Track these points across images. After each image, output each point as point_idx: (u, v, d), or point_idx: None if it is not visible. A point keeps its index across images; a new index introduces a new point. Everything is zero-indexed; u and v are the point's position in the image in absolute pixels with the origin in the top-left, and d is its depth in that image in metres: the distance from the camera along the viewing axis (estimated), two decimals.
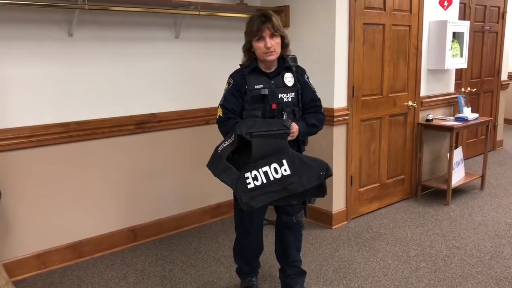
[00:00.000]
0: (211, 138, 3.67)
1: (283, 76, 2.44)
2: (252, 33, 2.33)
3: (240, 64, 2.50)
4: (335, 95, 3.56)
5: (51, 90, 3.00)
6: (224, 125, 2.40)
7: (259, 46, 2.34)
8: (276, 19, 2.34)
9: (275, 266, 3.04)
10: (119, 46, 3.26)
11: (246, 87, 2.39)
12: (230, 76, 2.47)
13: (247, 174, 2.20)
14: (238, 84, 2.41)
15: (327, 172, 2.27)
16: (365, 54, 3.73)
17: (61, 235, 3.18)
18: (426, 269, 3.04)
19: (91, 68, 3.15)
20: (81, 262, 3.24)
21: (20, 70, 2.86)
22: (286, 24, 3.79)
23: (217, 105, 2.46)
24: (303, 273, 2.76)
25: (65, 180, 3.14)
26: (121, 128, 3.31)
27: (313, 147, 3.64)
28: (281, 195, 2.24)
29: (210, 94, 3.74)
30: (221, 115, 2.41)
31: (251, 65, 2.42)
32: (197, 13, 3.36)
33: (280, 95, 2.40)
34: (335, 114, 3.55)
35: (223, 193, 3.95)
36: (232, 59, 3.82)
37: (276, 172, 2.21)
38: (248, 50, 2.42)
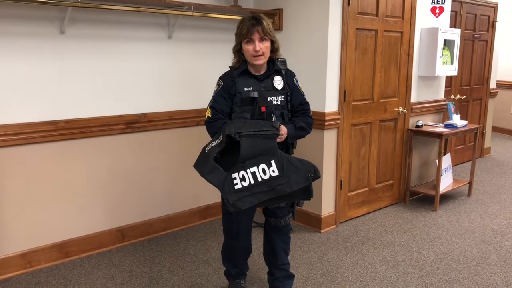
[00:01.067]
0: (202, 139, 3.65)
1: (272, 79, 2.45)
2: (242, 35, 2.34)
3: (230, 66, 2.50)
4: (327, 99, 3.57)
5: (40, 88, 2.97)
6: (212, 126, 2.39)
7: (248, 48, 2.35)
8: (267, 23, 2.35)
9: (263, 269, 3.04)
10: (111, 45, 3.23)
11: (236, 89, 2.40)
12: (220, 78, 2.47)
13: (235, 175, 2.18)
14: (227, 86, 2.41)
15: (315, 174, 2.25)
16: (357, 59, 3.75)
17: (47, 234, 3.14)
18: (413, 274, 3.05)
19: (82, 66, 3.12)
20: (67, 262, 3.20)
21: (10, 66, 2.83)
22: (279, 28, 3.80)
23: (207, 107, 2.46)
24: (291, 276, 2.76)
25: (52, 179, 3.11)
26: (110, 128, 3.29)
27: (303, 151, 3.65)
28: (268, 196, 2.21)
29: (201, 95, 3.73)
30: (209, 115, 2.41)
31: (241, 68, 2.43)
32: (191, 14, 3.35)
33: (269, 98, 2.41)
34: (326, 118, 3.56)
35: (212, 194, 3.94)
36: (224, 60, 3.80)
37: (264, 173, 2.19)
38: (238, 51, 2.43)
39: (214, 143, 2.27)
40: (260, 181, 2.19)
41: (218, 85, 2.45)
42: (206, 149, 2.29)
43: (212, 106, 2.42)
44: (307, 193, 2.32)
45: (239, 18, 3.63)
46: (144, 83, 3.45)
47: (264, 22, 2.33)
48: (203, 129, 3.80)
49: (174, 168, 3.72)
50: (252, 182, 2.18)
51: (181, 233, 3.74)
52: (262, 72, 2.45)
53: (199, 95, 3.75)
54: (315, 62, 3.59)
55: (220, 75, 2.49)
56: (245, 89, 2.39)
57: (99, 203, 3.36)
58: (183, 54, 3.64)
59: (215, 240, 3.58)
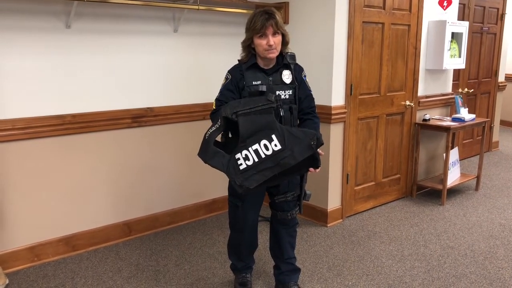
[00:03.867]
0: None
1: (281, 73, 2.44)
2: (255, 30, 2.32)
3: (238, 60, 2.49)
4: (333, 93, 3.55)
5: (47, 82, 2.98)
6: (215, 116, 2.38)
7: (261, 43, 2.33)
8: (279, 17, 2.35)
9: (269, 263, 3.04)
10: (117, 39, 3.23)
11: (244, 82, 2.39)
12: (228, 71, 2.46)
13: (238, 155, 2.14)
14: (236, 79, 2.41)
15: (318, 141, 2.19)
16: (363, 53, 3.72)
17: (54, 228, 3.16)
18: (420, 269, 3.04)
19: (88, 60, 3.13)
20: (74, 256, 3.23)
21: (17, 61, 2.84)
22: (285, 21, 3.78)
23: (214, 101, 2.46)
24: (297, 270, 2.76)
25: (59, 173, 3.12)
26: (117, 122, 3.30)
27: None
28: (274, 172, 2.16)
29: (208, 89, 3.73)
30: (214, 107, 2.43)
31: (250, 61, 2.42)
32: (196, 7, 3.34)
33: (277, 92, 2.40)
34: (333, 112, 3.55)
35: (218, 188, 3.95)
36: (230, 54, 3.81)
37: (267, 149, 2.14)
38: (248, 46, 2.41)
39: (213, 128, 2.24)
40: (264, 158, 2.14)
41: (226, 78, 2.45)
42: (206, 135, 2.26)
43: (218, 98, 2.43)
44: (314, 162, 2.27)
45: (245, 11, 3.65)
46: (150, 77, 3.45)
47: (277, 16, 2.33)
48: (209, 123, 3.80)
49: (180, 162, 3.72)
50: (256, 160, 2.13)
51: (187, 227, 3.75)
52: (271, 66, 2.44)
53: (206, 89, 3.74)
54: (322, 56, 3.57)
55: (228, 68, 2.48)
56: (253, 83, 2.39)
57: (106, 197, 3.37)
58: (189, 48, 3.63)
59: (221, 234, 3.58)
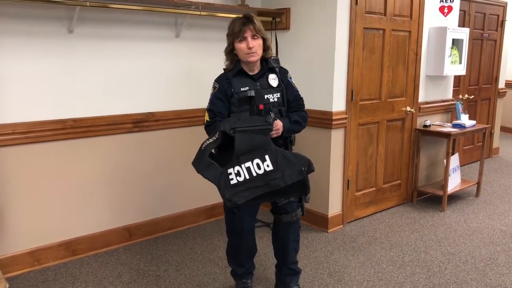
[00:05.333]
0: None
1: (267, 77, 2.49)
2: (234, 34, 2.38)
3: (223, 69, 2.53)
4: (334, 98, 3.56)
5: (48, 86, 2.98)
6: (211, 129, 2.41)
7: (241, 47, 2.38)
8: (257, 21, 2.40)
9: (270, 268, 3.04)
10: (119, 44, 3.24)
11: (232, 90, 2.42)
12: (215, 80, 2.50)
13: (230, 170, 2.20)
14: (223, 87, 2.44)
15: (309, 167, 2.25)
16: (364, 59, 3.73)
17: (55, 232, 3.16)
18: (421, 275, 3.04)
19: (90, 65, 3.14)
20: (75, 260, 3.22)
21: (19, 65, 2.85)
22: (286, 27, 3.80)
23: (205, 111, 2.50)
24: (298, 272, 2.79)
25: (60, 177, 3.12)
26: (118, 126, 3.30)
27: (310, 150, 3.65)
28: (263, 191, 2.22)
29: (209, 95, 3.73)
30: (208, 119, 2.45)
31: (235, 68, 2.46)
32: (198, 13, 3.36)
33: (266, 96, 2.45)
34: (334, 117, 3.55)
35: (219, 194, 3.93)
36: None
37: (259, 168, 2.20)
38: (230, 52, 2.46)
39: (210, 140, 2.30)
40: (255, 176, 2.20)
41: (214, 87, 2.48)
42: (202, 146, 2.32)
43: (209, 109, 2.46)
44: (303, 188, 2.34)
45: None
46: (151, 82, 3.45)
47: (255, 20, 2.38)
48: None
49: (181, 167, 3.72)
50: (247, 177, 2.20)
51: (187, 232, 3.74)
52: (256, 72, 2.48)
53: (207, 95, 3.69)
54: (323, 61, 3.58)
55: (215, 78, 2.52)
56: (241, 89, 2.42)
57: (107, 202, 3.37)
58: (191, 53, 3.64)
59: (222, 239, 3.58)
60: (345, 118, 3.66)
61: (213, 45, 3.76)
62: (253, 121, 2.26)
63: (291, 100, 2.54)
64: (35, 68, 2.91)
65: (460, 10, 4.81)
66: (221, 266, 3.16)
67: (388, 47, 3.90)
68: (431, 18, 4.33)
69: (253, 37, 2.37)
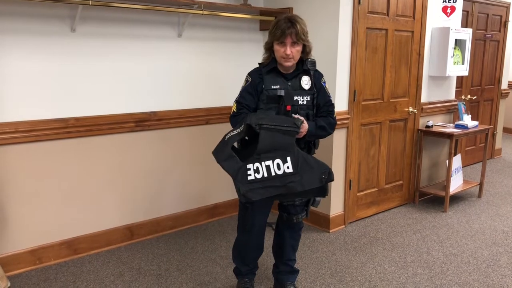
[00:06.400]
0: (211, 138, 3.67)
1: (300, 79, 2.46)
2: (275, 36, 2.34)
3: (259, 63, 2.52)
4: (336, 98, 3.55)
5: (51, 85, 2.98)
6: (236, 119, 2.41)
7: (279, 50, 2.36)
8: (301, 27, 2.34)
9: (271, 268, 3.03)
10: (121, 43, 3.25)
11: (263, 86, 2.41)
12: (249, 74, 2.49)
13: (249, 166, 2.20)
14: (255, 82, 2.43)
15: (329, 176, 2.26)
16: (367, 59, 3.73)
17: (56, 231, 3.16)
18: (422, 276, 3.03)
19: (92, 64, 3.14)
20: (76, 259, 3.22)
21: (21, 64, 2.85)
22: None
23: (233, 102, 2.49)
24: (295, 271, 2.80)
25: (62, 176, 3.12)
26: (120, 126, 3.30)
27: None
28: (279, 192, 2.23)
29: (211, 94, 3.74)
30: (234, 110, 2.45)
31: (270, 65, 2.44)
32: (201, 12, 3.35)
33: (295, 97, 2.42)
34: (336, 117, 3.53)
35: (221, 193, 3.94)
36: (234, 59, 3.82)
37: (279, 168, 2.20)
38: (269, 48, 2.44)
39: (235, 132, 2.28)
40: (273, 176, 2.20)
41: (246, 81, 2.48)
42: (226, 137, 2.29)
43: (238, 101, 2.46)
44: (322, 191, 2.33)
45: (249, 17, 3.66)
46: (154, 81, 3.45)
47: (298, 26, 2.32)
48: (212, 127, 3.82)
49: (183, 166, 3.72)
50: (266, 175, 2.20)
51: (189, 231, 3.74)
52: (290, 71, 2.46)
53: (209, 94, 3.75)
54: (325, 61, 3.57)
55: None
56: (272, 87, 2.41)
57: (108, 201, 3.37)
58: (193, 53, 3.64)
59: (223, 239, 3.57)
60: (348, 118, 3.65)
61: (215, 45, 3.76)
62: (282, 121, 2.25)
63: (321, 104, 2.51)
64: (38, 67, 2.91)
65: (463, 11, 4.80)
66: (222, 265, 3.15)
67: (390, 47, 3.90)
68: (434, 19, 4.32)
69: (293, 43, 2.33)
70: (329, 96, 2.56)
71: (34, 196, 3.03)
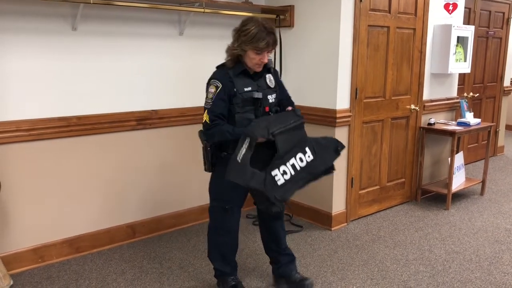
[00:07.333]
0: None
1: (265, 78, 2.51)
2: (257, 48, 2.34)
3: (221, 64, 2.50)
4: (338, 96, 3.55)
5: (52, 84, 2.99)
6: (212, 133, 2.39)
7: (254, 57, 2.39)
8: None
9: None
10: (122, 41, 3.24)
11: (235, 89, 2.40)
12: (216, 79, 2.43)
13: (275, 172, 2.21)
14: (227, 87, 2.40)
15: (341, 145, 2.42)
16: (369, 56, 3.72)
17: (59, 229, 3.16)
18: (424, 273, 3.03)
19: (93, 62, 3.14)
20: (79, 257, 3.23)
21: (23, 63, 2.85)
22: (291, 24, 3.78)
23: (204, 110, 2.44)
24: (294, 258, 2.83)
25: (64, 175, 3.13)
26: (121, 124, 3.30)
27: None
28: (307, 181, 2.31)
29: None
30: (207, 121, 2.39)
31: (238, 68, 2.43)
32: (202, 10, 3.35)
33: (268, 96, 2.49)
34: (338, 115, 3.54)
35: None
36: None
37: (301, 161, 2.28)
38: (237, 54, 2.42)
39: (244, 151, 2.21)
40: (299, 170, 2.27)
41: (216, 86, 2.40)
42: (238, 158, 2.21)
43: (211, 109, 2.39)
44: (329, 169, 2.45)
45: (250, 15, 3.65)
46: (155, 80, 3.45)
47: (277, 38, 2.41)
48: None
49: (184, 164, 3.72)
50: (293, 173, 2.26)
51: (191, 229, 3.75)
52: (254, 71, 2.51)
53: None
54: (327, 59, 3.57)
55: (212, 76, 2.49)
56: (245, 90, 2.41)
57: (110, 199, 3.38)
58: (194, 51, 3.64)
59: None
60: (349, 116, 3.65)
61: (217, 43, 3.74)
62: (286, 119, 2.31)
63: (284, 99, 2.61)
64: (39, 66, 2.92)
65: (465, 8, 4.79)
66: None
67: (392, 44, 3.89)
68: (436, 16, 4.30)
69: (268, 52, 2.40)
70: (287, 90, 2.69)
71: (36, 195, 3.03)
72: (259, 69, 2.44)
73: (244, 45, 2.37)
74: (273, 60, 2.64)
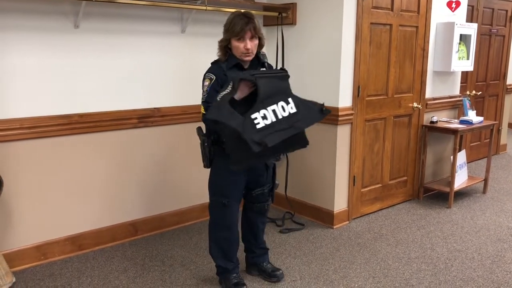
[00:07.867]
0: None
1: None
2: (234, 33, 2.42)
3: (215, 60, 2.58)
4: (340, 94, 3.54)
5: (54, 82, 2.99)
6: (207, 117, 2.39)
7: (238, 46, 2.44)
8: (257, 21, 2.45)
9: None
10: (124, 39, 3.24)
11: None
12: (210, 72, 2.52)
13: (255, 115, 2.19)
14: (221, 79, 2.46)
15: (326, 109, 2.39)
16: (371, 54, 3.71)
17: (61, 227, 3.17)
18: (427, 272, 3.02)
19: (96, 60, 3.14)
20: (81, 255, 3.23)
21: (25, 60, 2.85)
22: (293, 22, 3.78)
23: (201, 103, 2.50)
24: (267, 250, 2.98)
25: (66, 172, 3.13)
26: (123, 122, 3.30)
27: (317, 146, 3.64)
28: (288, 134, 2.24)
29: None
30: (204, 112, 2.45)
31: (231, 61, 2.50)
32: (204, 8, 3.34)
33: None
34: (340, 113, 3.53)
35: None
36: None
37: (284, 110, 2.26)
38: (225, 46, 2.50)
39: (225, 92, 2.26)
40: (281, 119, 2.25)
41: (210, 79, 2.48)
42: (218, 98, 2.26)
43: (206, 100, 2.45)
44: (303, 140, 2.43)
45: (252, 12, 3.63)
46: (157, 78, 3.45)
47: (255, 21, 2.43)
48: None
49: (187, 162, 3.72)
50: (274, 119, 2.23)
51: (193, 227, 3.75)
52: (248, 65, 2.55)
53: None
54: (329, 57, 3.56)
55: (207, 71, 2.54)
56: None
57: (112, 197, 3.38)
58: (197, 49, 3.64)
59: None
60: (351, 114, 3.64)
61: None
62: (270, 70, 2.38)
63: None
64: (41, 63, 2.92)
65: (468, 5, 4.77)
66: None
67: (395, 42, 3.88)
68: (439, 13, 4.29)
69: (251, 38, 2.43)
70: None
71: (39, 193, 3.04)
72: (247, 58, 2.47)
73: (226, 35, 2.47)
74: (266, 54, 2.63)
